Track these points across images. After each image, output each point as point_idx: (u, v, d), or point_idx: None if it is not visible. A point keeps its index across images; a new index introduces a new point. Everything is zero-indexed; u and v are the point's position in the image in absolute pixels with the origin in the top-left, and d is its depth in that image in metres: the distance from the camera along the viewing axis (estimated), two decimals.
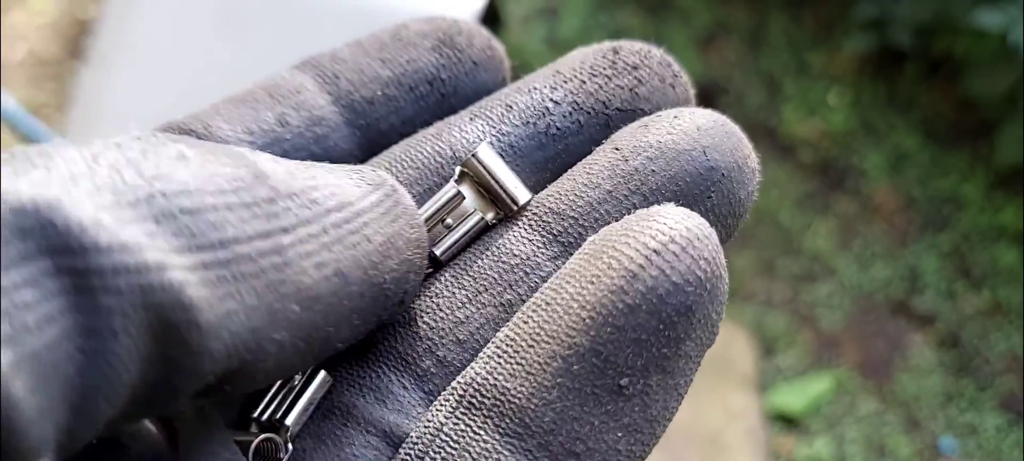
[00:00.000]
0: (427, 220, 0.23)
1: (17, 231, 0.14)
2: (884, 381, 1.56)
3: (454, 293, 0.22)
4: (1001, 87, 1.70)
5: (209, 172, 0.17)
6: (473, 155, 0.23)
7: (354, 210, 0.19)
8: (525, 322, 0.20)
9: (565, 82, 0.25)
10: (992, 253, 1.70)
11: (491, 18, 1.62)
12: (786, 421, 1.49)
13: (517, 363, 0.20)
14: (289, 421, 0.21)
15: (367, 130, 0.25)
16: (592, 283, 0.20)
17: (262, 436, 0.21)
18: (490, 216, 0.24)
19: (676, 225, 0.20)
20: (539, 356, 0.20)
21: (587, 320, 0.20)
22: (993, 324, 1.62)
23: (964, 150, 1.84)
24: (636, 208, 0.22)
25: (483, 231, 0.24)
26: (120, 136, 0.16)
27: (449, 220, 0.24)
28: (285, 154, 0.24)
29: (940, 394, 1.55)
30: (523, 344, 0.20)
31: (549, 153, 0.24)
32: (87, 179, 0.15)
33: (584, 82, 0.25)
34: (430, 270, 0.23)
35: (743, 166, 0.23)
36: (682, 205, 0.22)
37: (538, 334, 0.20)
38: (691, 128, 0.23)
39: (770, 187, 1.75)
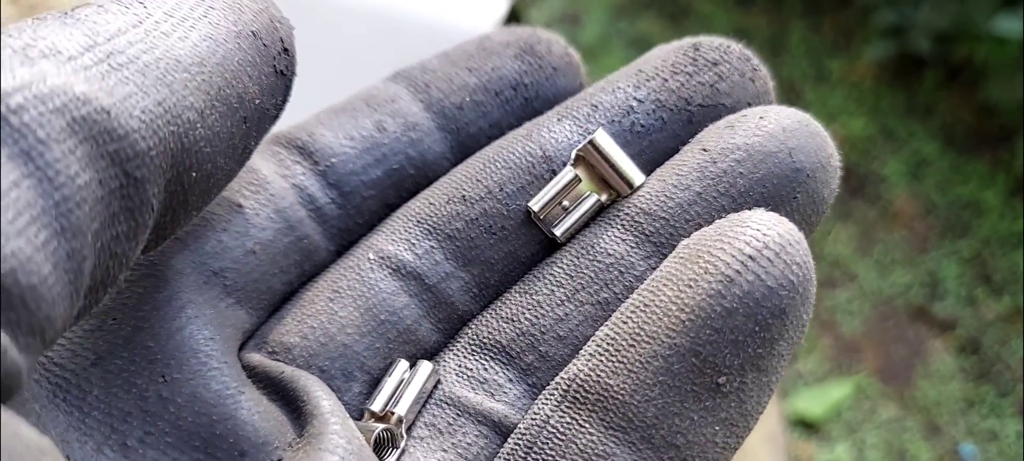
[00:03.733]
0: (546, 204, 0.24)
1: None
2: (904, 387, 1.56)
3: (553, 291, 0.24)
4: (1021, 94, 1.69)
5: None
6: (590, 141, 0.24)
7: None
8: (625, 322, 0.21)
9: (648, 80, 0.26)
10: (1012, 259, 1.70)
11: (513, 24, 1.62)
12: (806, 427, 1.49)
13: (619, 361, 0.21)
14: (402, 412, 0.23)
15: (458, 133, 0.26)
16: (690, 287, 0.21)
17: (381, 427, 0.22)
18: (604, 197, 0.25)
19: (769, 231, 0.21)
20: (640, 355, 0.21)
21: (686, 322, 0.21)
22: (1013, 330, 1.62)
23: (984, 157, 1.84)
24: (725, 209, 0.23)
25: (599, 212, 0.25)
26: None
27: (566, 203, 0.25)
28: (384, 157, 0.26)
29: (960, 400, 1.55)
30: (624, 343, 0.21)
31: (634, 149, 0.25)
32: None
33: (666, 80, 0.26)
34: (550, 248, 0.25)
35: (826, 165, 0.24)
36: (769, 205, 0.23)
37: (638, 334, 0.21)
38: (777, 130, 0.24)
39: None
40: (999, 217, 1.76)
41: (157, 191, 0.18)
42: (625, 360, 0.21)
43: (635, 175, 0.24)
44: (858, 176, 1.82)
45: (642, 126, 0.25)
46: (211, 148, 0.19)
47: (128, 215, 0.17)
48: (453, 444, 0.23)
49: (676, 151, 0.25)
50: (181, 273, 0.22)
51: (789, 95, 1.92)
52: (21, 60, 0.16)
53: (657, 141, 0.25)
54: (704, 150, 0.24)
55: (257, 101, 0.20)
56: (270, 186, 0.25)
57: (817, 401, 1.51)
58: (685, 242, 0.22)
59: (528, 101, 0.27)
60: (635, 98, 0.25)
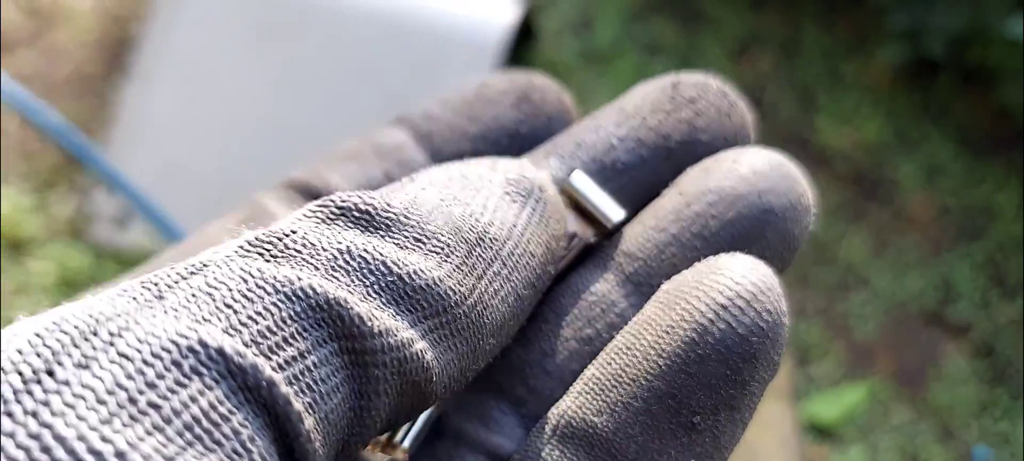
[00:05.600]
0: None
1: (313, 322, 0.18)
2: (918, 391, 1.56)
3: (540, 327, 0.25)
4: None
5: (425, 237, 0.20)
6: (568, 181, 0.25)
7: (519, 232, 0.22)
8: (609, 364, 0.23)
9: (628, 119, 0.27)
10: None
11: (526, 31, 1.63)
12: (820, 431, 1.50)
13: (603, 401, 0.22)
14: (406, 443, 0.24)
15: None
16: (667, 333, 0.22)
17: (387, 459, 0.23)
18: (590, 234, 0.26)
19: (742, 279, 0.22)
20: (622, 396, 0.22)
21: (664, 367, 0.22)
22: None
23: (998, 160, 1.84)
24: (698, 250, 0.24)
25: (585, 250, 0.26)
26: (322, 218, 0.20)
27: None
28: None
29: (974, 403, 1.55)
30: (608, 384, 0.22)
31: (616, 185, 0.26)
32: (345, 273, 0.19)
33: (645, 118, 0.27)
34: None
35: (797, 205, 0.25)
36: (740, 245, 0.24)
37: (620, 376, 0.22)
38: (748, 172, 0.25)
39: None
40: (1013, 220, 1.76)
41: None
42: (608, 400, 0.22)
43: (613, 212, 0.25)
44: (872, 180, 1.82)
45: (623, 163, 0.26)
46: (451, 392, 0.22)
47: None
48: None
49: (657, 185, 0.27)
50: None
51: (803, 99, 1.92)
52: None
53: (637, 177, 0.26)
54: (680, 194, 0.25)
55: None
56: None
57: (831, 405, 1.52)
58: (665, 286, 0.23)
59: (523, 149, 0.28)
60: (616, 137, 0.27)
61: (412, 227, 0.21)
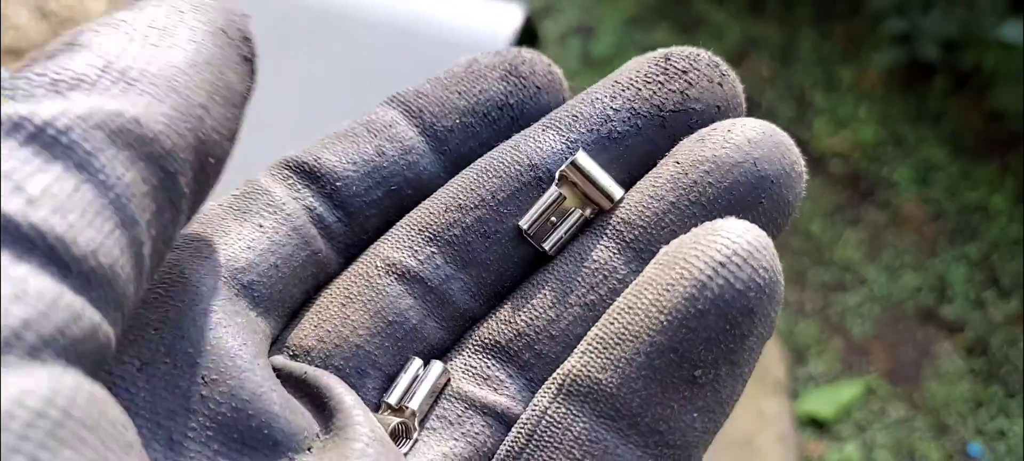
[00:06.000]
0: (534, 221, 0.27)
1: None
2: (913, 388, 1.56)
3: (545, 295, 0.26)
4: None
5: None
6: (571, 162, 0.26)
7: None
8: (611, 323, 0.23)
9: (623, 90, 0.27)
10: (1020, 263, 1.70)
11: (528, 36, 1.64)
12: (817, 426, 1.50)
13: (607, 358, 0.23)
14: (416, 406, 0.25)
15: (450, 154, 0.28)
16: (668, 291, 0.23)
17: (397, 420, 0.25)
18: (588, 212, 0.27)
19: (738, 238, 0.23)
20: (625, 352, 0.23)
21: (665, 323, 0.22)
22: (1021, 332, 1.62)
23: (992, 162, 1.84)
24: (696, 217, 0.25)
25: (584, 226, 0.27)
26: None
27: (553, 219, 0.27)
28: (384, 180, 0.28)
29: (969, 400, 1.55)
30: (611, 342, 0.23)
31: (612, 154, 0.27)
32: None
33: (639, 89, 0.27)
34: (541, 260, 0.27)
35: (791, 172, 0.25)
36: (737, 211, 0.25)
37: (623, 334, 0.23)
38: (743, 141, 0.25)
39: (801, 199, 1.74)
40: (1007, 221, 1.76)
41: (188, 181, 0.21)
42: (612, 357, 0.23)
43: (615, 190, 0.26)
44: (868, 182, 1.83)
45: (619, 133, 0.27)
46: (218, 135, 0.22)
47: (169, 205, 0.20)
48: (462, 434, 0.25)
49: (652, 154, 0.27)
50: (215, 289, 0.25)
51: (800, 103, 1.92)
52: (54, 92, 0.19)
53: (633, 146, 0.27)
54: (677, 163, 0.26)
55: (238, 87, 0.23)
56: (284, 207, 0.27)
57: (827, 401, 1.52)
58: (664, 249, 0.24)
59: (514, 119, 0.29)
60: (611, 108, 0.27)
61: None
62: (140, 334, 0.23)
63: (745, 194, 0.25)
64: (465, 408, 0.25)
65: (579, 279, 0.26)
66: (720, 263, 0.22)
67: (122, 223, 0.19)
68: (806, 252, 1.71)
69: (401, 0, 1.41)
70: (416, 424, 0.25)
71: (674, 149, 0.27)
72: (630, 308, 0.23)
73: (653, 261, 0.24)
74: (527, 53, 0.29)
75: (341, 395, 0.24)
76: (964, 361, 1.60)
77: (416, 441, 0.25)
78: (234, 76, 0.23)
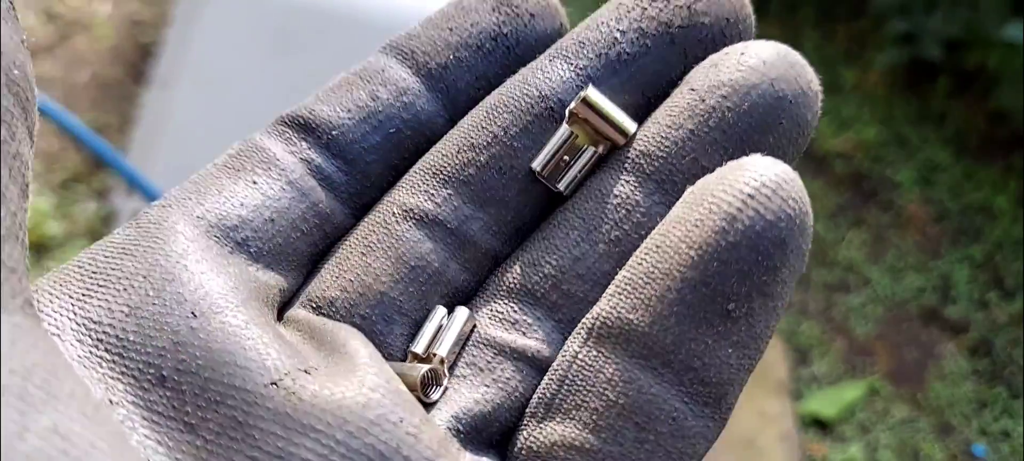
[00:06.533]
0: (547, 162, 0.26)
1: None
2: (917, 388, 1.56)
3: (568, 234, 0.26)
4: None
5: None
6: (582, 98, 0.26)
7: None
8: (640, 263, 0.23)
9: (628, 12, 0.27)
10: None
11: None
12: (820, 427, 1.50)
13: (637, 298, 0.23)
14: (443, 353, 0.25)
15: (447, 92, 0.28)
16: (697, 226, 0.23)
17: (426, 368, 0.24)
18: (601, 148, 0.26)
19: (765, 172, 0.22)
20: (656, 291, 0.23)
21: (696, 257, 0.22)
22: None
23: (996, 163, 1.85)
24: (717, 143, 0.25)
25: (598, 163, 0.26)
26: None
27: (566, 157, 0.26)
28: (380, 124, 0.28)
29: (973, 401, 1.55)
30: (640, 282, 0.23)
31: (623, 77, 0.27)
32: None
33: (645, 8, 0.27)
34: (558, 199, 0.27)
35: (807, 90, 0.25)
36: (757, 132, 0.25)
37: (653, 273, 0.23)
38: (758, 63, 0.25)
39: None
40: (1011, 222, 1.76)
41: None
42: (643, 297, 0.23)
43: (628, 124, 0.26)
44: (871, 182, 1.83)
45: (628, 54, 0.27)
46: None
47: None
48: (494, 380, 0.24)
49: (664, 73, 0.27)
50: (207, 248, 0.25)
51: None
52: None
53: (644, 65, 0.27)
54: (692, 90, 0.26)
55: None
56: (280, 162, 0.27)
57: (831, 402, 1.52)
58: (691, 188, 0.24)
59: (510, 49, 0.28)
60: (618, 30, 0.27)
61: None
62: (127, 284, 0.23)
63: (765, 115, 0.25)
64: (495, 354, 0.25)
65: (603, 216, 0.26)
66: (749, 195, 0.22)
67: None
68: (810, 253, 1.69)
69: (403, 2, 1.42)
70: (445, 371, 0.25)
71: (688, 76, 0.26)
72: (658, 247, 0.23)
73: (680, 200, 0.24)
74: None
75: (356, 348, 0.23)
76: (968, 362, 1.60)
77: (446, 388, 0.25)
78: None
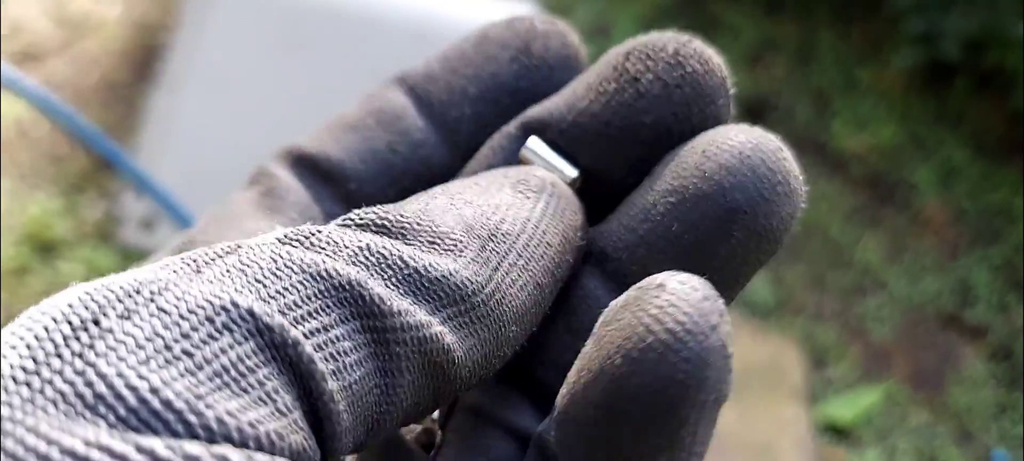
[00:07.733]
0: None
1: (336, 301, 0.19)
2: (935, 393, 1.56)
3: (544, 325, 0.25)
4: None
5: (438, 238, 0.21)
6: (525, 147, 0.25)
7: (533, 225, 0.23)
8: (569, 389, 0.22)
9: (579, 100, 0.26)
10: None
11: None
12: (837, 432, 1.50)
13: (565, 428, 0.22)
14: (435, 414, 0.24)
15: (459, 145, 0.28)
16: (595, 380, 0.21)
17: (420, 428, 0.24)
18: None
19: (674, 306, 0.20)
20: (576, 427, 0.21)
21: (593, 414, 0.21)
22: None
23: (1015, 164, 1.84)
24: (664, 253, 0.24)
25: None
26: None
27: None
28: (396, 179, 0.27)
29: (992, 406, 1.55)
30: (569, 410, 0.22)
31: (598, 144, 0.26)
32: (365, 266, 0.20)
33: (590, 102, 0.26)
34: None
35: (771, 196, 0.23)
36: (706, 246, 0.23)
37: (572, 406, 0.21)
38: (714, 169, 0.23)
39: (820, 201, 1.75)
40: None
41: None
42: (570, 424, 0.22)
43: (568, 171, 0.25)
44: (888, 184, 1.82)
45: (595, 130, 0.26)
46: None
47: (408, 421, 0.21)
48: (480, 445, 0.24)
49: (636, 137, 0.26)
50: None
51: (818, 104, 1.92)
52: None
53: (612, 137, 0.26)
54: (651, 190, 0.24)
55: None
56: (310, 211, 0.27)
57: (847, 407, 1.52)
58: (602, 316, 0.22)
59: (525, 102, 0.27)
60: (567, 120, 0.26)
61: (425, 231, 0.21)
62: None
63: (714, 230, 0.23)
64: (481, 423, 0.24)
65: (566, 305, 0.25)
66: (635, 359, 0.20)
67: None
68: (825, 255, 1.70)
69: (414, 2, 1.42)
70: (437, 428, 0.24)
71: (653, 170, 0.25)
72: (571, 384, 0.22)
73: (591, 335, 0.22)
74: (541, 25, 0.28)
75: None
76: (987, 366, 1.60)
77: (440, 446, 0.24)
78: None
